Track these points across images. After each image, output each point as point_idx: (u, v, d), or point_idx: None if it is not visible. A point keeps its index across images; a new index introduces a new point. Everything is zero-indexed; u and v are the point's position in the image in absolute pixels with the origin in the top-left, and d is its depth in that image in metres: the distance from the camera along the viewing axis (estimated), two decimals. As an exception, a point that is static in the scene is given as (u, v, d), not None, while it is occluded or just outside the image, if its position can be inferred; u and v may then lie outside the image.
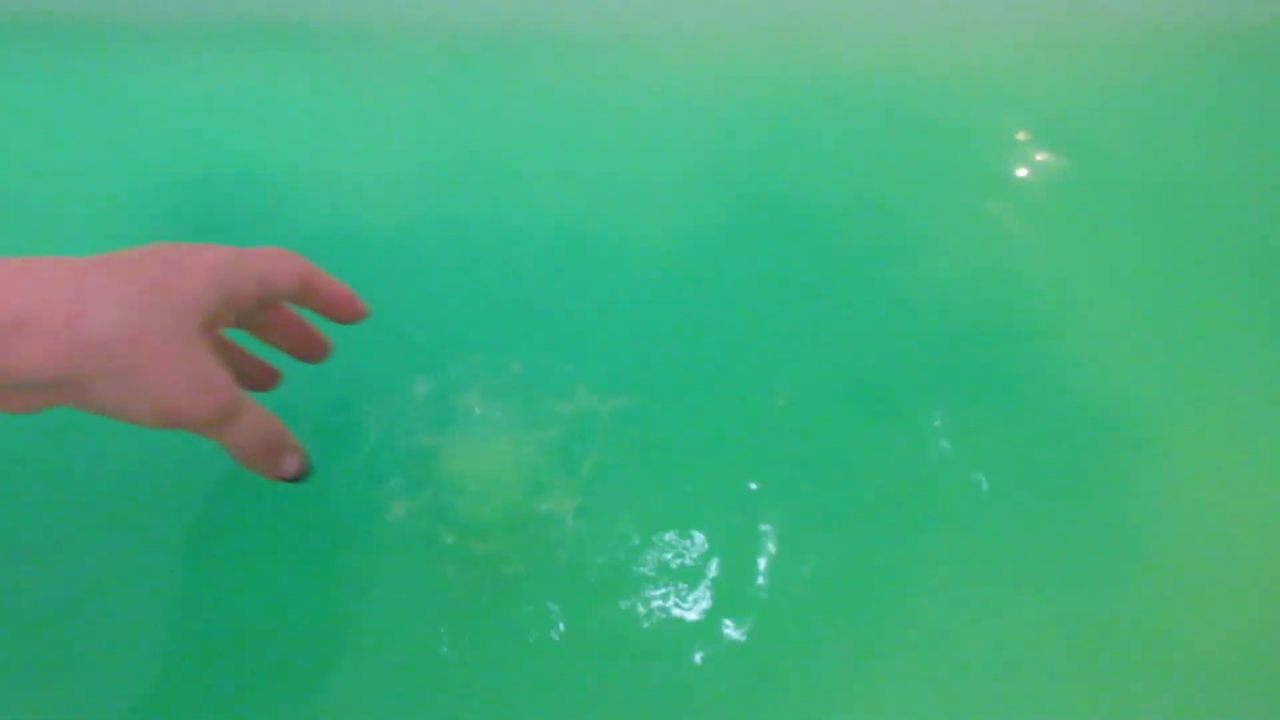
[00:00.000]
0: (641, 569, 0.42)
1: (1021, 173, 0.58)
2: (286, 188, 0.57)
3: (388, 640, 0.40)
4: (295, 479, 0.35)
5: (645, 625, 0.41)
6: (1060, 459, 0.46)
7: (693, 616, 0.41)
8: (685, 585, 0.42)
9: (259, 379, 0.40)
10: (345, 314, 0.37)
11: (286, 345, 0.39)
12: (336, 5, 0.66)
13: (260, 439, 0.33)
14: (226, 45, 0.64)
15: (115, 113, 0.61)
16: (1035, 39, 0.64)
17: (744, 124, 0.61)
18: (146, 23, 0.64)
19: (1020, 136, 0.60)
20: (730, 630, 0.41)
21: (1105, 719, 0.39)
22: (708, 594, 0.42)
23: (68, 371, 0.27)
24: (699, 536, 0.43)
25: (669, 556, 0.42)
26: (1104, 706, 0.40)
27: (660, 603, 0.41)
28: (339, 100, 0.62)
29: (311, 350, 0.39)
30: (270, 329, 0.38)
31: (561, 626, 0.40)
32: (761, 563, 0.42)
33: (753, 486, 0.45)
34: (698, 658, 0.40)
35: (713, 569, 0.42)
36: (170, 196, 0.56)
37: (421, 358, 0.48)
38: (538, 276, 0.53)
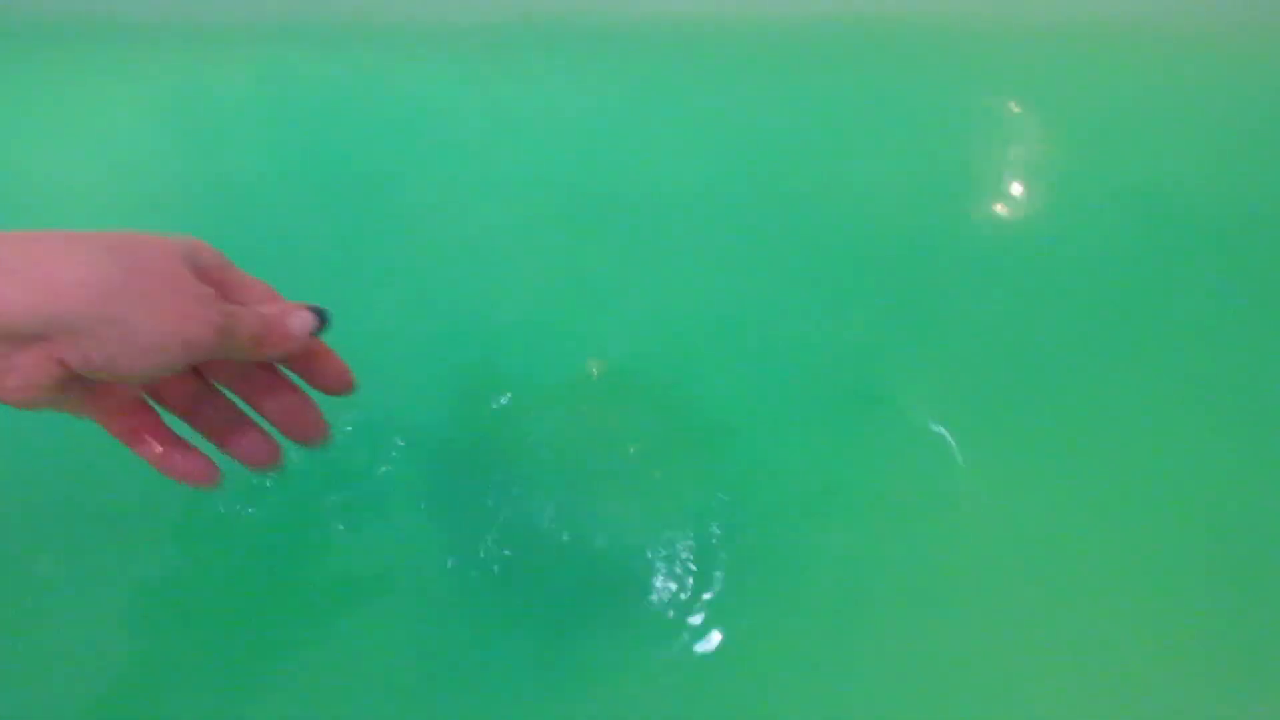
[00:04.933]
0: (643, 564, 0.41)
1: (1022, 157, 0.59)
2: (287, 190, 0.57)
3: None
4: (322, 328, 0.33)
5: (650, 618, 0.40)
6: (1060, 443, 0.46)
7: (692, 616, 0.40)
8: (687, 580, 0.41)
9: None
10: (332, 379, 0.35)
11: (279, 417, 0.35)
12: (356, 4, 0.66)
13: (263, 323, 0.31)
14: (226, 45, 0.64)
15: (114, 112, 0.61)
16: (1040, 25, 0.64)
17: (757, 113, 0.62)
18: (144, 23, 0.64)
19: (1028, 126, 0.60)
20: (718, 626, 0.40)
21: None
22: (704, 589, 0.41)
23: (51, 314, 0.26)
24: (698, 527, 0.42)
25: (665, 552, 0.42)
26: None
27: (662, 596, 0.41)
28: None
29: (305, 429, 0.36)
30: (263, 394, 0.35)
31: (566, 616, 0.40)
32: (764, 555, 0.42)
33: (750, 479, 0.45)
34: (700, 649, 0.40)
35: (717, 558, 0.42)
36: (171, 196, 0.56)
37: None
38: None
